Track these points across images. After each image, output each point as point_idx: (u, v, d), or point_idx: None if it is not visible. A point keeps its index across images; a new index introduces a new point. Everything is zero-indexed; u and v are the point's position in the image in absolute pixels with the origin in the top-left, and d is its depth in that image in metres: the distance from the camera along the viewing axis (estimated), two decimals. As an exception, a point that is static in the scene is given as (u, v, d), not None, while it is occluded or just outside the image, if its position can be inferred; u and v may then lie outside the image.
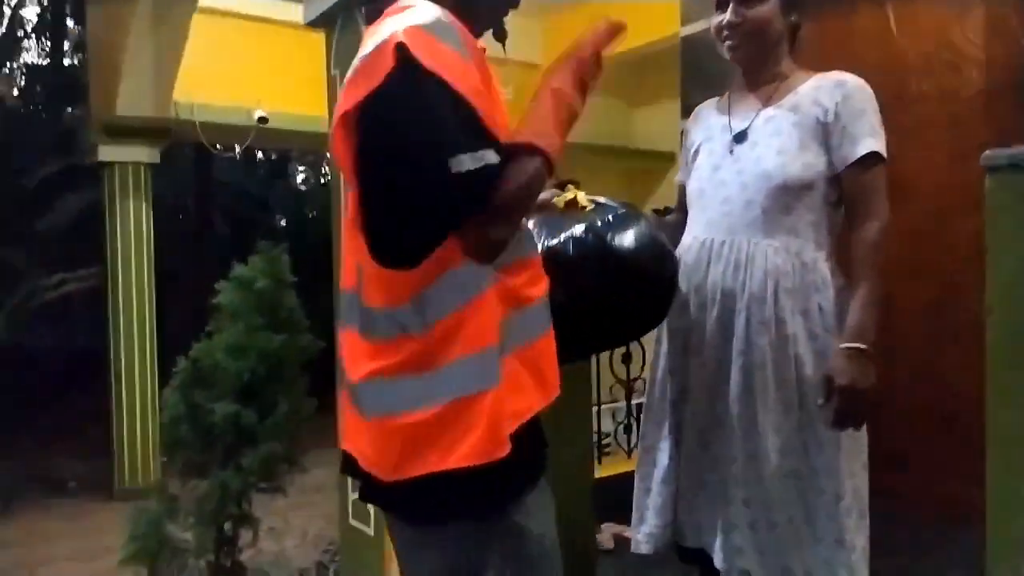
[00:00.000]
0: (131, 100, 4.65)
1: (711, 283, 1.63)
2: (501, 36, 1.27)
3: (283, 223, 11.77)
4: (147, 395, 5.08)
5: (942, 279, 2.67)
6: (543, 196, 1.49)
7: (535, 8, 5.68)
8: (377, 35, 1.06)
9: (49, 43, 11.37)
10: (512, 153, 1.05)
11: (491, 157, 1.00)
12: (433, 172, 0.99)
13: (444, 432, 1.04)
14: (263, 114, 4.99)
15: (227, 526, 2.84)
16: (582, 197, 1.52)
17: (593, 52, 1.19)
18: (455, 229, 1.03)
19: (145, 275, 5.08)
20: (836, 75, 1.62)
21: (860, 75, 1.65)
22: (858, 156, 1.56)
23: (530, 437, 1.10)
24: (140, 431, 5.03)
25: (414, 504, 1.10)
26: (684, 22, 3.13)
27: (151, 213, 5.13)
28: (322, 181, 12.83)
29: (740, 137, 1.64)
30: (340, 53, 2.49)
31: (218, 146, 5.47)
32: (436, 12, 1.07)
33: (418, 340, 1.06)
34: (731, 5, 1.60)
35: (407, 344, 1.07)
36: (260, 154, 11.28)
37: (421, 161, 1.00)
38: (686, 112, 3.13)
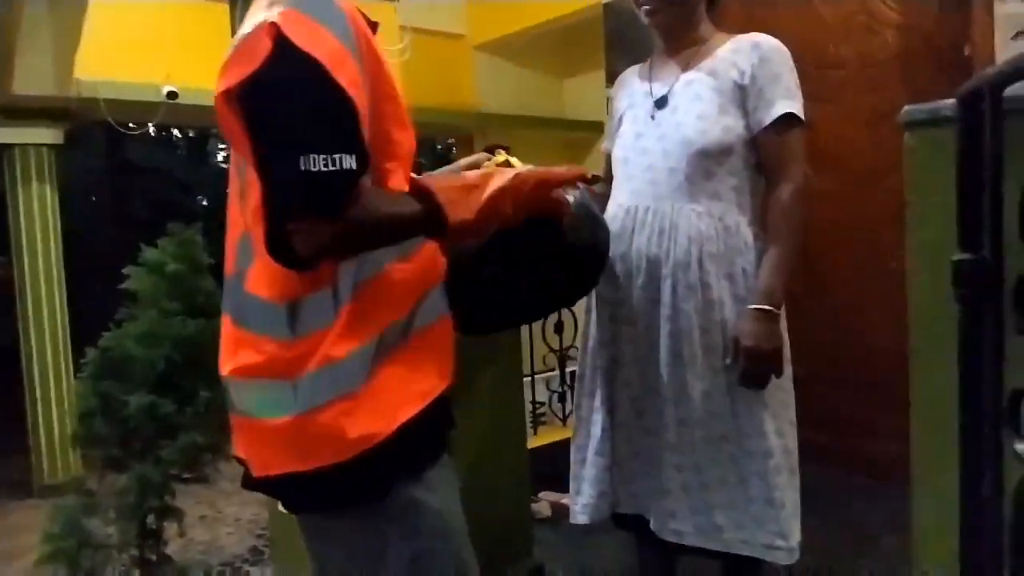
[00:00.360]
0: (28, 78, 4.35)
1: (636, 251, 1.61)
2: None
3: (204, 203, 11.37)
4: (62, 388, 4.83)
5: (866, 241, 2.73)
6: (471, 159, 1.44)
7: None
8: (259, 14, 1.00)
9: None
10: (411, 190, 1.02)
11: (348, 162, 0.94)
12: (283, 165, 0.94)
13: (304, 438, 1.02)
14: (173, 89, 4.74)
15: (150, 519, 2.72)
16: (515, 161, 1.46)
17: (558, 181, 1.18)
18: (289, 226, 0.97)
19: (53, 264, 4.80)
20: (752, 37, 1.62)
21: (780, 39, 1.63)
22: (773, 118, 1.57)
23: (431, 418, 1.08)
24: (58, 425, 4.79)
25: (291, 496, 1.08)
26: (606, -12, 3.08)
27: (57, 198, 4.83)
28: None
29: (661, 103, 1.63)
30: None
31: (131, 124, 5.18)
32: None
33: (285, 345, 1.02)
34: None
35: (273, 346, 1.03)
36: (177, 132, 10.82)
37: (275, 152, 0.96)
38: (611, 80, 3.08)
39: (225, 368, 1.12)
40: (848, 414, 2.79)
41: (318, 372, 1.01)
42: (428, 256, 1.12)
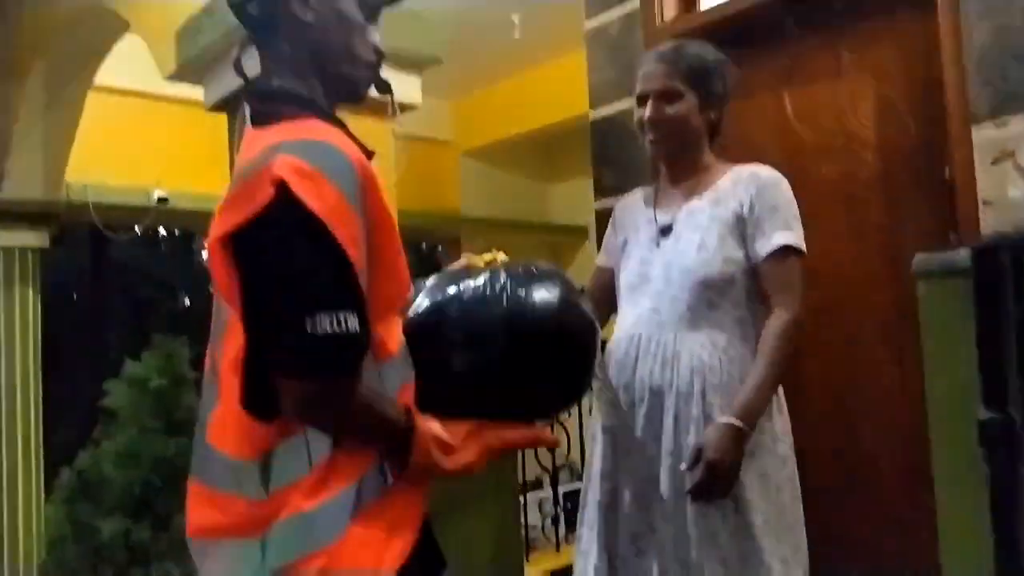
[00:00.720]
0: (18, 183, 4.37)
1: (639, 380, 1.59)
2: (384, 88, 1.24)
3: (187, 303, 11.29)
4: (31, 509, 4.59)
5: (847, 358, 2.72)
6: (459, 263, 1.33)
7: (447, 90, 5.76)
8: (260, 154, 0.98)
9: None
10: (404, 407, 1.01)
11: (352, 323, 0.93)
12: (288, 327, 0.93)
13: None
14: (163, 194, 4.78)
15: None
16: (501, 256, 1.35)
17: (516, 444, 1.16)
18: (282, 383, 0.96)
19: (31, 373, 4.66)
20: (751, 168, 1.65)
21: (760, 159, 1.67)
22: (771, 250, 1.59)
23: (418, 565, 1.03)
24: (23, 550, 4.53)
25: None
26: (593, 105, 3.19)
27: (39, 302, 4.76)
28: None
29: (665, 231, 1.66)
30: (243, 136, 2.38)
31: (112, 229, 5.18)
32: (325, 136, 1.01)
33: (255, 504, 0.98)
34: (650, 102, 1.63)
35: (243, 505, 0.99)
36: (162, 231, 10.86)
37: (278, 312, 0.94)
38: (599, 191, 3.15)
39: (188, 526, 1.09)
40: (853, 535, 2.71)
41: (288, 525, 0.96)
42: (407, 399, 1.07)
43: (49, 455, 4.37)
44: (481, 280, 1.16)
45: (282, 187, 0.93)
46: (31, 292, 4.73)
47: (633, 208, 1.80)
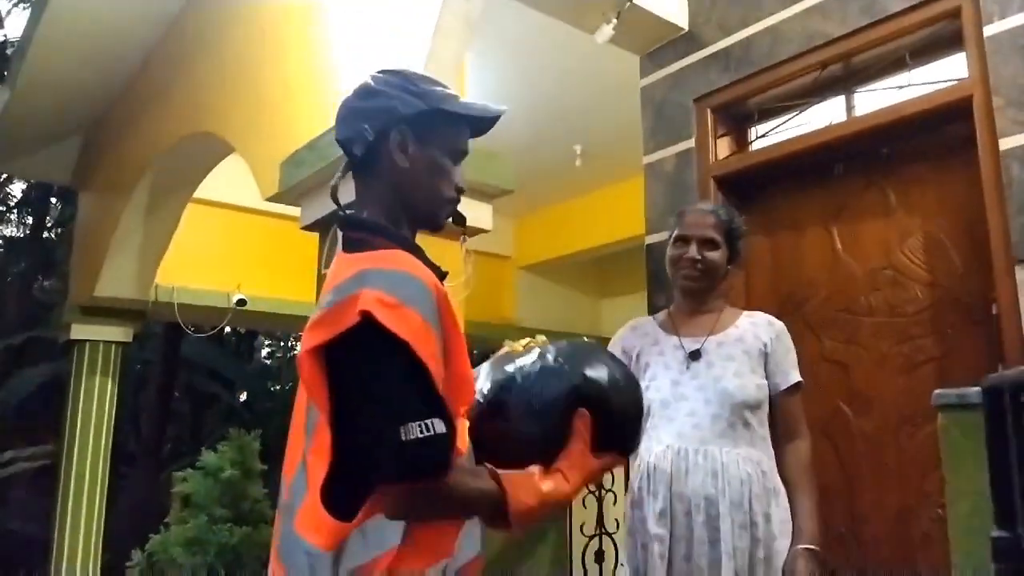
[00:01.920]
0: (112, 282, 4.75)
1: (692, 490, 1.74)
2: (459, 220, 1.36)
3: (243, 399, 11.64)
4: (89, 570, 4.73)
5: (905, 486, 2.73)
6: (501, 351, 1.39)
7: (509, 209, 6.11)
8: (350, 279, 1.11)
9: (30, 218, 11.68)
10: (488, 472, 1.12)
11: (439, 427, 1.03)
12: (383, 436, 1.02)
13: None
14: (242, 296, 5.13)
15: None
16: (538, 339, 1.39)
17: (607, 467, 1.25)
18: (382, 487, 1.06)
19: (101, 456, 4.91)
20: (763, 315, 1.98)
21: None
22: (790, 384, 1.88)
23: None
24: (72, 625, 4.64)
25: None
26: (649, 231, 3.39)
27: (116, 392, 5.07)
28: (288, 355, 12.88)
29: (695, 356, 1.86)
30: (331, 255, 2.64)
31: (195, 328, 5.53)
32: (405, 266, 1.13)
33: None
34: (694, 246, 1.91)
35: None
36: (228, 328, 11.37)
37: (373, 422, 1.04)
38: (653, 310, 3.30)
39: None
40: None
41: None
42: None
43: (109, 536, 4.51)
44: (533, 358, 1.25)
45: (368, 317, 1.04)
46: (110, 382, 5.04)
47: (650, 331, 2.01)
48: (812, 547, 1.73)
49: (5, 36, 9.66)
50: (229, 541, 2.71)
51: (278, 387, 12.03)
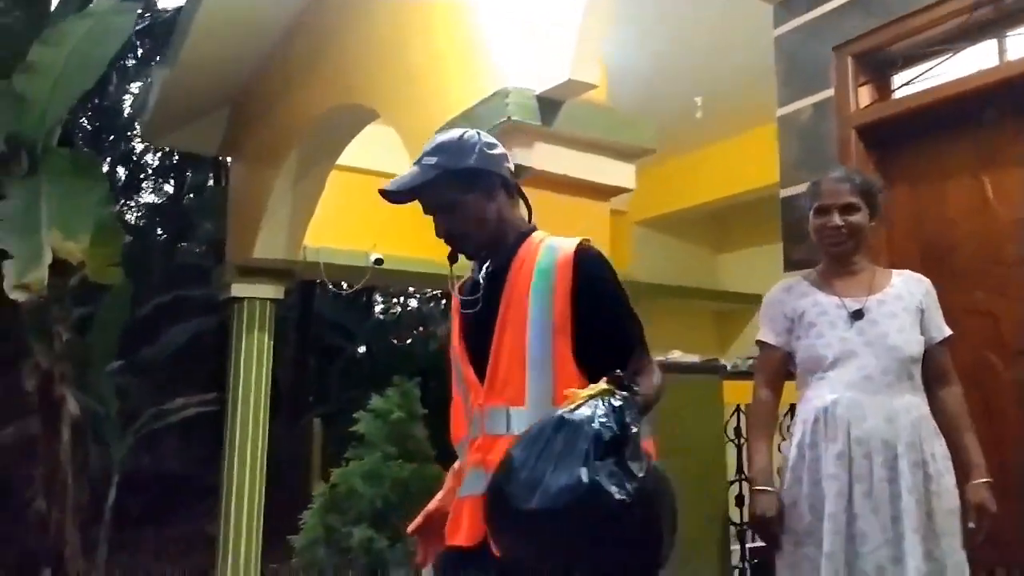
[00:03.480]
0: (267, 245, 5.17)
1: (869, 434, 1.93)
2: (450, 259, 1.58)
3: (361, 350, 12.33)
4: (252, 518, 5.28)
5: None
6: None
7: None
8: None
9: (167, 186, 12.60)
10: None
11: None
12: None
13: None
14: (379, 256, 5.48)
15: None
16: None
17: None
18: None
19: (262, 404, 5.41)
20: (909, 273, 2.15)
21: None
22: (944, 337, 2.08)
23: None
24: (244, 553, 5.20)
25: None
26: (784, 184, 3.41)
27: (272, 345, 5.55)
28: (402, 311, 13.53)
29: (858, 315, 2.02)
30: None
31: (337, 286, 5.96)
32: None
33: None
34: (835, 215, 2.07)
35: None
36: (344, 285, 12.00)
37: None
38: (789, 264, 3.34)
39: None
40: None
41: None
42: None
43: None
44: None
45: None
46: (266, 336, 5.52)
47: (808, 294, 2.14)
48: (988, 479, 1.93)
49: (151, 15, 10.30)
50: (400, 475, 3.03)
51: (395, 341, 12.63)
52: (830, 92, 3.22)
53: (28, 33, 4.55)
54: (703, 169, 6.03)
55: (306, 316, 8.98)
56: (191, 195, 12.24)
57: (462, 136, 1.48)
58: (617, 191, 2.90)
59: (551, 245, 1.43)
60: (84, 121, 11.13)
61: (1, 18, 4.79)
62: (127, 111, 11.25)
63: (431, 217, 1.50)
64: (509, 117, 2.58)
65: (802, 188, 3.36)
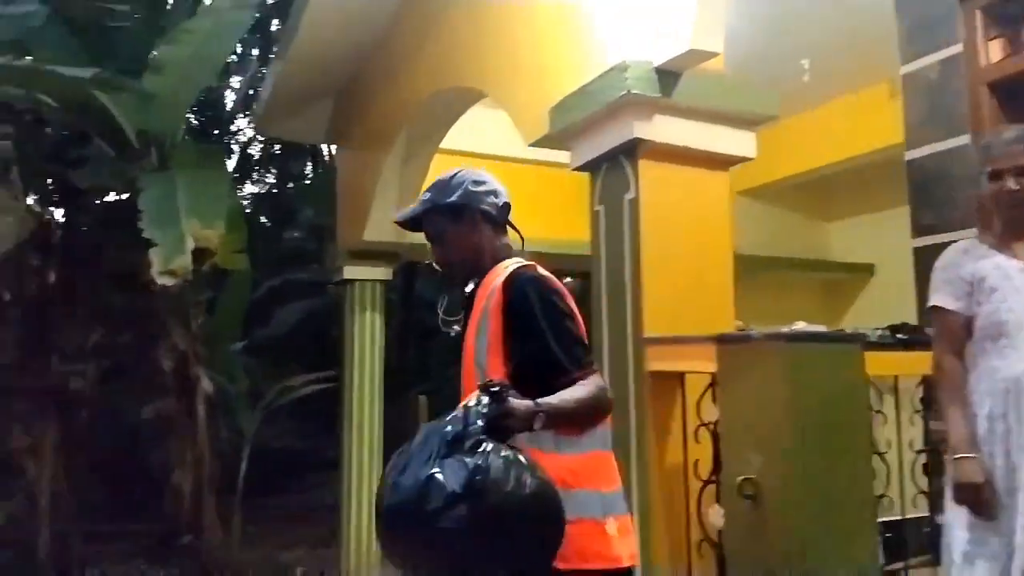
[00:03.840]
0: (376, 228, 5.36)
1: None
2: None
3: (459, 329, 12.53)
4: (370, 489, 5.54)
5: None
6: None
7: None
8: None
9: (270, 176, 13.14)
10: None
11: None
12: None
13: None
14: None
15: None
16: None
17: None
18: None
19: (376, 380, 5.65)
20: None
21: None
22: None
23: None
24: (366, 524, 5.47)
25: None
26: (910, 146, 3.29)
27: (383, 324, 5.76)
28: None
29: None
30: (604, 191, 2.89)
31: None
32: None
33: None
34: (1010, 179, 2.00)
35: None
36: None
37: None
38: (917, 230, 3.23)
39: None
40: None
41: None
42: None
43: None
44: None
45: None
46: (377, 316, 5.75)
47: (987, 257, 2.06)
48: None
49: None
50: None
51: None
52: (958, 48, 3.08)
53: (149, 33, 4.85)
54: (809, 134, 5.83)
55: (408, 297, 9.25)
56: (292, 184, 12.73)
57: (454, 176, 1.69)
58: (737, 160, 2.87)
59: (503, 271, 1.56)
60: (190, 116, 11.72)
61: (125, 22, 5.10)
62: (228, 104, 11.78)
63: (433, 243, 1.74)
64: (628, 91, 2.59)
65: (929, 149, 3.26)
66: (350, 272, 5.69)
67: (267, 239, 11.63)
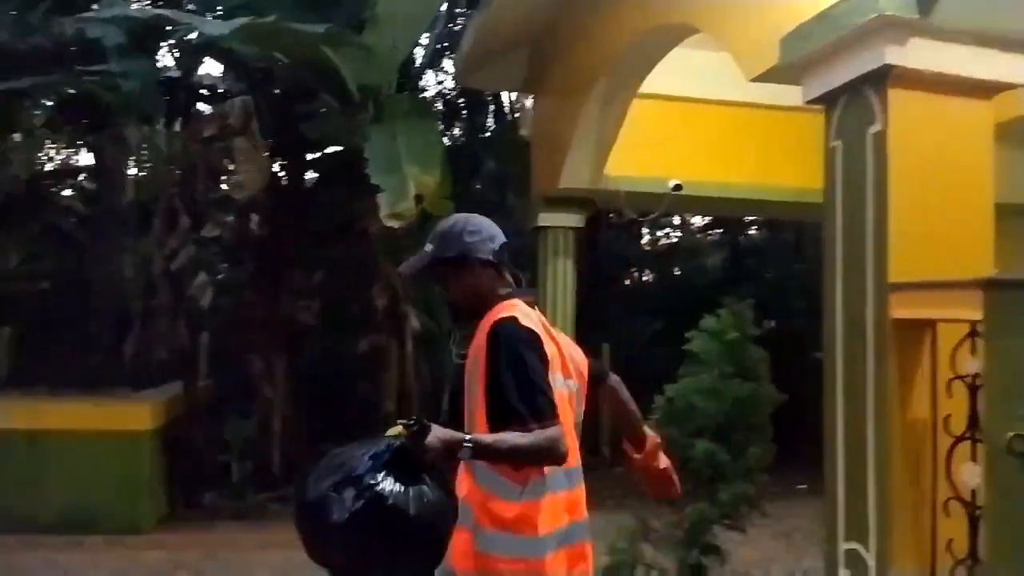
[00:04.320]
0: (572, 176, 5.39)
1: None
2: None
3: (635, 273, 12.42)
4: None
5: None
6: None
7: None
8: None
9: (455, 130, 13.54)
10: None
11: None
12: None
13: None
14: (678, 182, 5.45)
15: (693, 554, 3.09)
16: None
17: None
18: None
19: (568, 325, 5.73)
20: None
21: None
22: None
23: None
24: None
25: None
26: None
27: (574, 270, 5.83)
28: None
29: None
30: (842, 126, 2.70)
31: (637, 213, 6.06)
32: None
33: None
34: None
35: None
36: (611, 215, 12.11)
37: None
38: None
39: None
40: None
41: None
42: None
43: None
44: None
45: None
46: (569, 263, 5.81)
47: None
48: None
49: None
50: (739, 393, 3.05)
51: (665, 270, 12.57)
52: None
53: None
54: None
55: (591, 246, 9.28)
56: (476, 136, 13.05)
57: (451, 227, 1.81)
58: (1003, 87, 2.57)
59: (496, 315, 1.71)
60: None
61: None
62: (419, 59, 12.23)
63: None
64: (881, 12, 2.38)
65: None
66: (544, 219, 5.78)
67: (456, 189, 12.07)
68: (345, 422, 6.25)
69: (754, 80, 3.21)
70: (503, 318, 1.68)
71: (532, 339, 1.67)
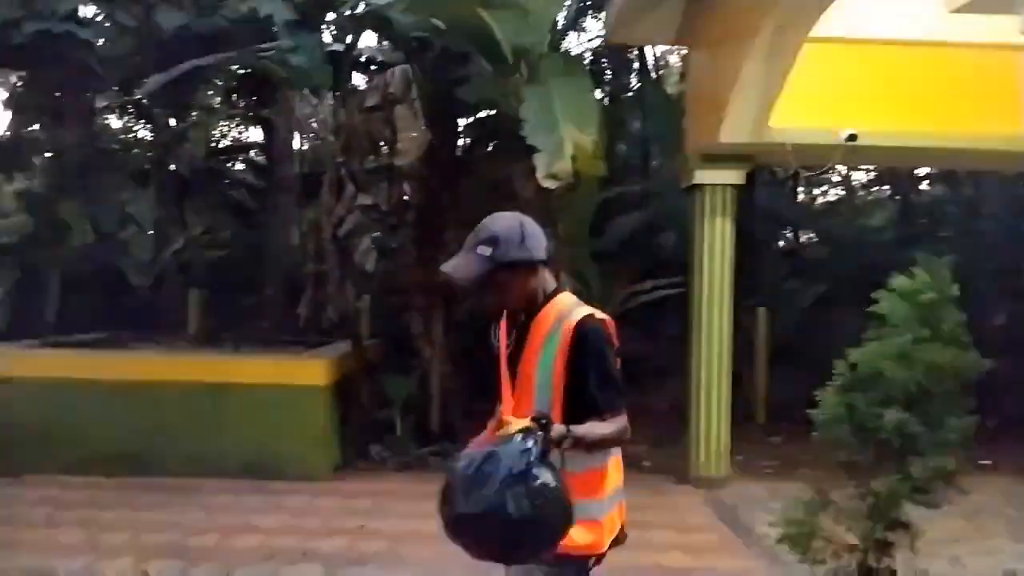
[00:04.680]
0: (733, 129, 5.10)
1: None
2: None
3: (788, 233, 11.72)
4: (721, 393, 5.52)
5: None
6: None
7: None
8: None
9: (601, 92, 13.26)
10: None
11: None
12: None
13: None
14: (852, 132, 5.03)
15: (879, 529, 2.90)
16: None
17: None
18: None
19: (725, 287, 5.53)
20: None
21: None
22: None
23: None
24: (716, 427, 5.50)
25: None
26: None
27: (733, 230, 5.57)
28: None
29: None
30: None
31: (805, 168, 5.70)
32: None
33: None
34: None
35: None
36: (772, 171, 11.41)
37: None
38: None
39: None
40: None
41: None
42: None
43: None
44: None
45: None
46: (728, 222, 5.55)
47: None
48: None
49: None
50: (937, 359, 2.80)
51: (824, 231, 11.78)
52: None
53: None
54: None
55: (748, 204, 8.86)
56: (621, 96, 12.72)
57: (510, 230, 1.82)
58: None
59: (561, 314, 1.84)
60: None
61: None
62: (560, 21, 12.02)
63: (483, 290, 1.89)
64: None
65: None
66: (701, 176, 5.54)
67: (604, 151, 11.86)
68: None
69: (955, 11, 2.88)
70: (587, 318, 1.83)
71: (611, 337, 1.85)
